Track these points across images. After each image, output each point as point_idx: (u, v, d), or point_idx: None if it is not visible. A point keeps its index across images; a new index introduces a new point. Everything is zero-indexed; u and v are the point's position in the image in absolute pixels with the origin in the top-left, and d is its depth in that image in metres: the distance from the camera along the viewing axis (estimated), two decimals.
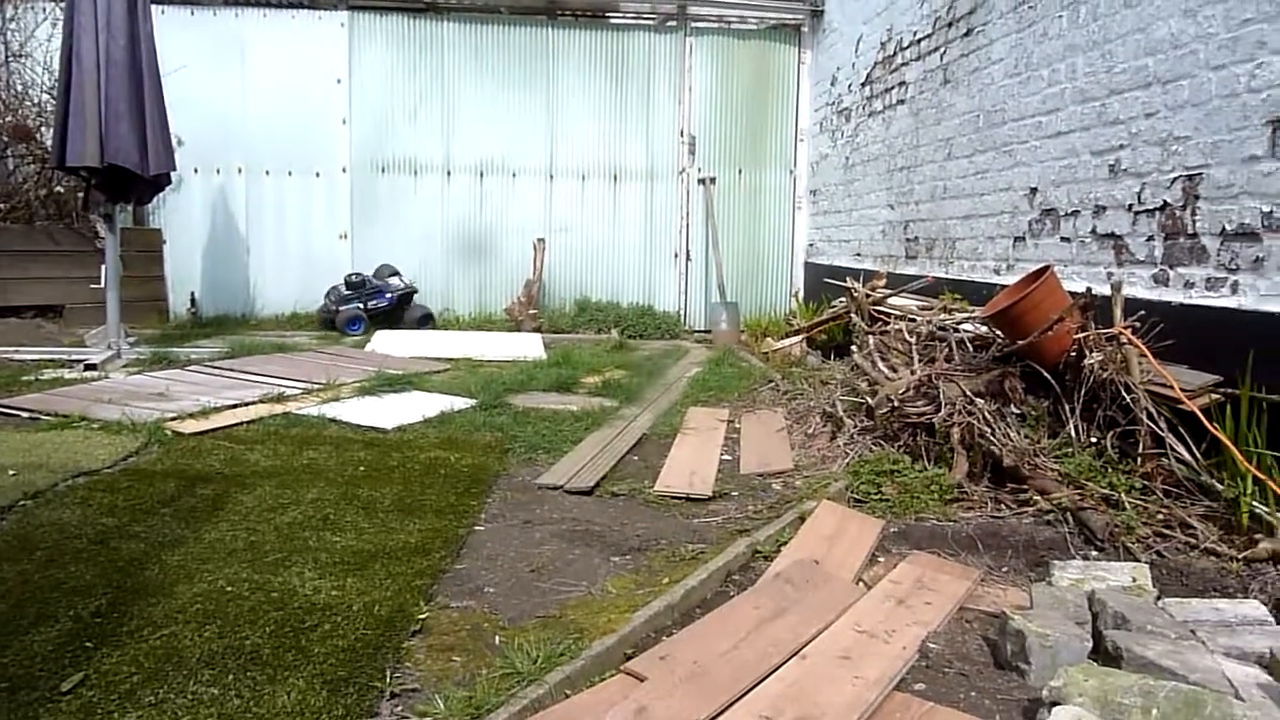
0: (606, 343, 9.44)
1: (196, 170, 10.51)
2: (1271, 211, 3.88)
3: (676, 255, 11.42)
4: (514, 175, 11.10)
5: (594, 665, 2.56)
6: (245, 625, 2.75)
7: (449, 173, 10.99)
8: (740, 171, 11.43)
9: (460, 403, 6.13)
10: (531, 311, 10.49)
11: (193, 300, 10.55)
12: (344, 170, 10.82)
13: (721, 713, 2.37)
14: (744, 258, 11.51)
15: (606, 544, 3.70)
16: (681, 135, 11.28)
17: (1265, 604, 3.09)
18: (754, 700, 2.43)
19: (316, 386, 6.44)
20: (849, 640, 2.81)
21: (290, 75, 10.59)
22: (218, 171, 10.60)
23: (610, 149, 11.22)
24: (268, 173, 10.71)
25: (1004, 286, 5.28)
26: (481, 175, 11.05)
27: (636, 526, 3.92)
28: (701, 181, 11.29)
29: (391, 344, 8.73)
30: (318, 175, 10.80)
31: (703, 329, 11.22)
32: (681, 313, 11.44)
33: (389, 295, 10.01)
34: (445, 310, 10.98)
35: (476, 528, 3.82)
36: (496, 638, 2.79)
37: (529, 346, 8.82)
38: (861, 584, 3.35)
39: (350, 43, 10.66)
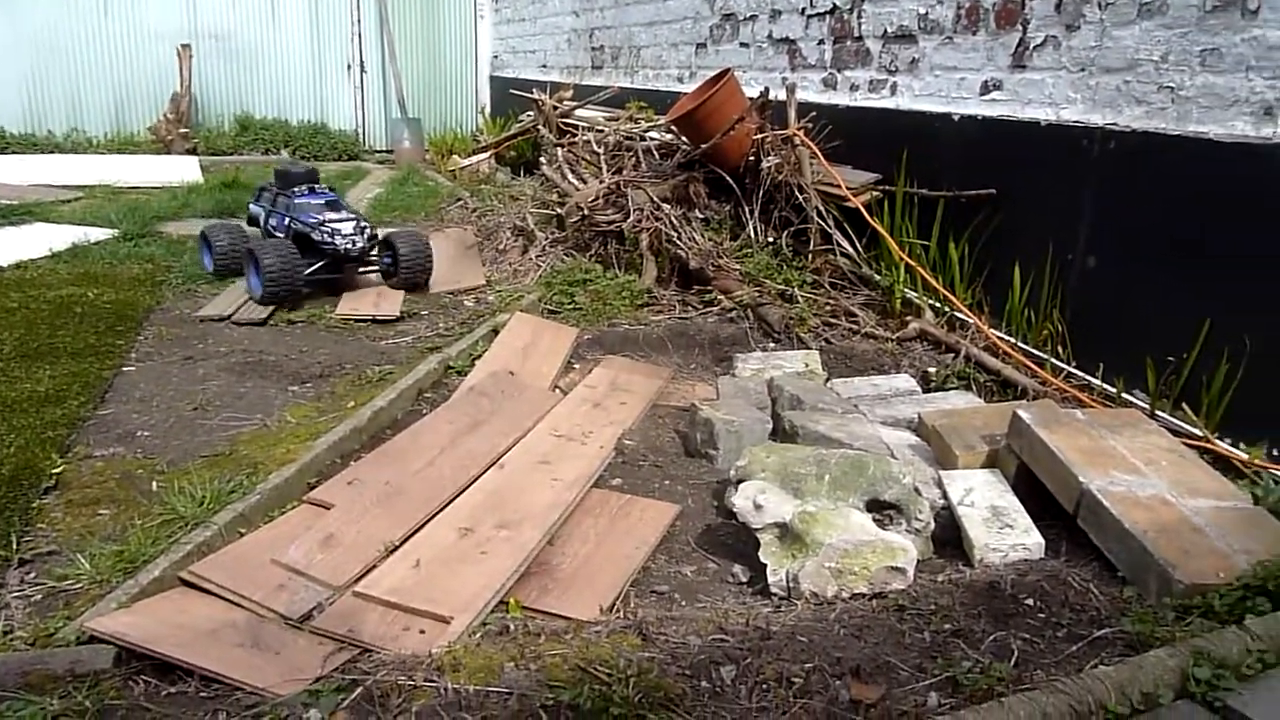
0: (276, 164, 8.52)
1: None
2: (927, 13, 4.08)
3: (350, 67, 10.43)
4: None
5: (272, 499, 2.33)
6: None
7: None
8: None
9: (97, 233, 5.28)
10: (182, 130, 9.21)
11: None
12: None
13: (418, 530, 2.25)
14: (426, 71, 10.76)
15: (284, 374, 3.37)
16: None
17: (914, 377, 3.44)
18: (452, 514, 2.33)
19: None
20: (547, 445, 2.77)
21: None
22: None
23: None
24: None
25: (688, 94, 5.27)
26: None
27: (318, 354, 3.61)
28: None
29: (3, 171, 7.33)
30: None
31: (385, 149, 10.47)
32: (360, 131, 10.57)
33: None
34: (74, 131, 9.36)
35: (125, 369, 3.34)
36: (154, 483, 2.45)
37: (183, 170, 7.77)
38: (558, 391, 3.31)
39: None
